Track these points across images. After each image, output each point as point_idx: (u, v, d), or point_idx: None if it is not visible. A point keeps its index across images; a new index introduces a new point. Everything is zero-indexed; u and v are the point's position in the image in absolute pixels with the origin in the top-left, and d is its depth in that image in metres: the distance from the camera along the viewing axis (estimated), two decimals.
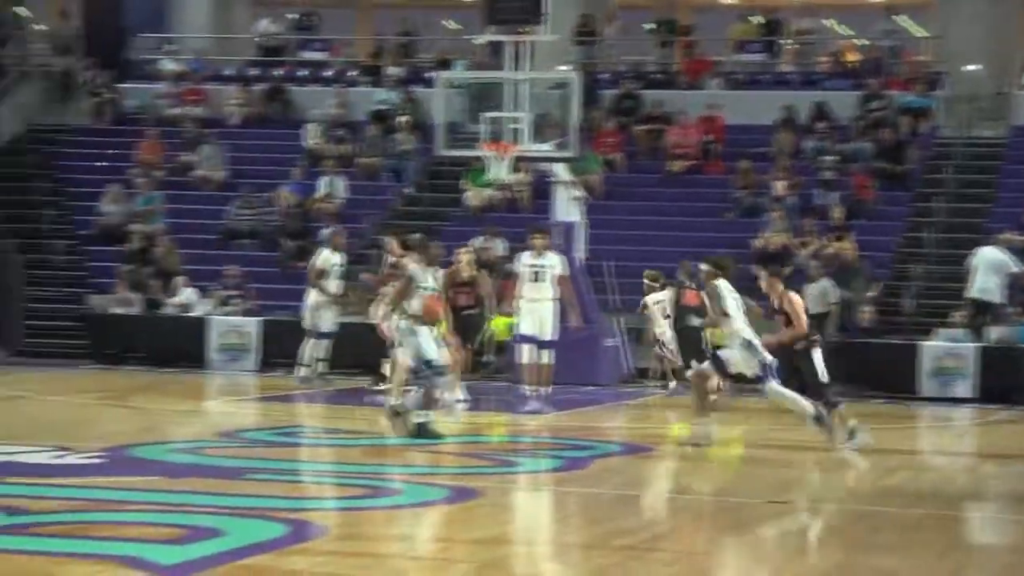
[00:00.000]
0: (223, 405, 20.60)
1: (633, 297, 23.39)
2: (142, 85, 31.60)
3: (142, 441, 15.03)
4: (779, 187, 26.10)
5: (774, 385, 14.98)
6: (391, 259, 20.80)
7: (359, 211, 27.02)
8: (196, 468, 13.21)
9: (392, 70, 30.79)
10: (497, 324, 21.87)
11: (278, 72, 31.61)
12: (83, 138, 30.33)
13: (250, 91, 30.79)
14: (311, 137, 29.09)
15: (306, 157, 28.61)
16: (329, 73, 31.81)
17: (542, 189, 25.32)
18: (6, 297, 27.29)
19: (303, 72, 31.92)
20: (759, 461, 15.37)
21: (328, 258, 21.59)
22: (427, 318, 15.26)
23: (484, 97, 21.93)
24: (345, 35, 34.06)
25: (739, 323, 15.08)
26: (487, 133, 21.50)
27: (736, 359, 15.10)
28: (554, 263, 19.35)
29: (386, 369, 20.55)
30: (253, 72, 32.07)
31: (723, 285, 15.27)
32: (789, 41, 31.35)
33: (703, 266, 15.87)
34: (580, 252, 22.84)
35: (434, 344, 15.31)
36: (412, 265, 15.63)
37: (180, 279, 25.40)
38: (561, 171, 23.00)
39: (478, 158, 22.58)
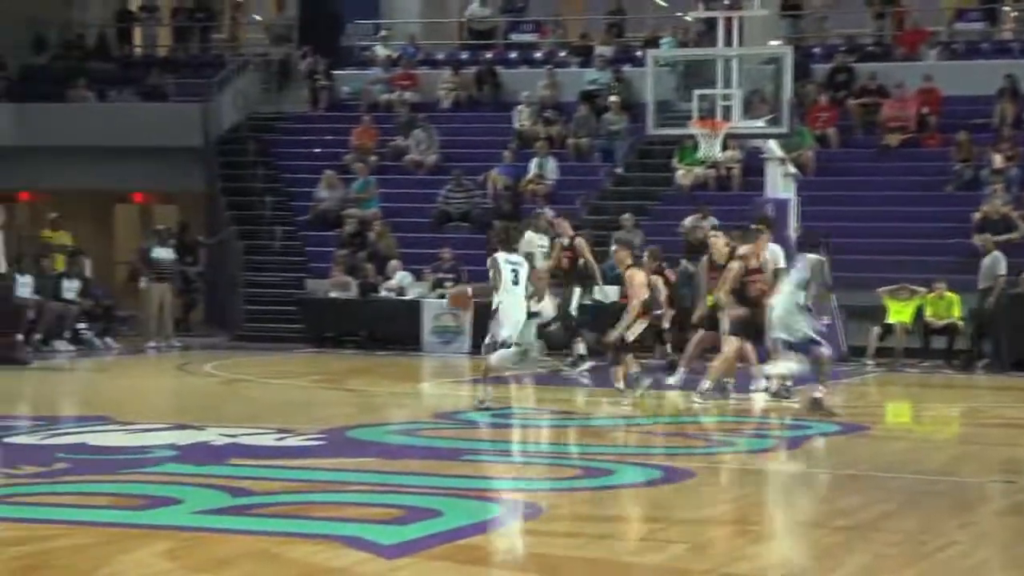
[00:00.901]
0: (438, 387, 20.79)
1: (848, 275, 23.01)
2: (356, 71, 32.09)
3: (360, 423, 15.25)
4: (999, 159, 25.40)
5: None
6: (564, 241, 20.78)
7: (570, 192, 27.04)
8: (413, 449, 13.36)
9: (601, 50, 30.74)
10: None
11: (488, 55, 31.79)
12: (299, 125, 30.90)
13: (461, 75, 31.03)
14: (522, 119, 29.21)
15: (517, 139, 28.73)
16: (539, 55, 31.90)
17: (754, 166, 25.05)
18: (228, 283, 28.01)
19: (513, 54, 32.09)
20: (983, 439, 15.00)
21: (532, 240, 21.53)
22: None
23: (694, 74, 21.73)
24: (554, 16, 34.10)
25: (507, 297, 15.46)
26: (698, 111, 21.31)
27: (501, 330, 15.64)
28: (773, 257, 17.75)
29: (580, 349, 20.53)
30: (464, 56, 32.36)
31: (502, 258, 15.64)
32: (1010, 8, 30.48)
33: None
34: (792, 230, 22.49)
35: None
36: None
37: (394, 262, 25.72)
38: (773, 147, 22.71)
39: (689, 136, 22.39)
